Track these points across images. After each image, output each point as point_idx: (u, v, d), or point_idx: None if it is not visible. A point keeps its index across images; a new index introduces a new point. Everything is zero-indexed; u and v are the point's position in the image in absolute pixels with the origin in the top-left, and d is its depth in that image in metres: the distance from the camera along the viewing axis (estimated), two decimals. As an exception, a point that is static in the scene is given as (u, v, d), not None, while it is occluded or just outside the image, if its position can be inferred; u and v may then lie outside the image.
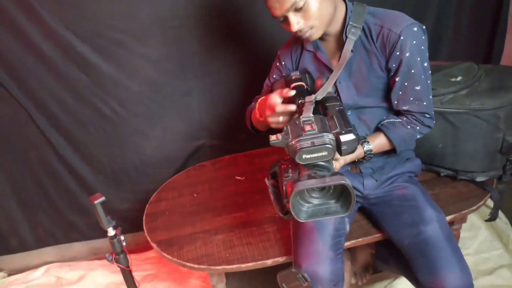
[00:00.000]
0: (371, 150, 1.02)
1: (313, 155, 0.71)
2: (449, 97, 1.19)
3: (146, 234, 1.27)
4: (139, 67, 1.52)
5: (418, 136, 1.07)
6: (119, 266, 1.12)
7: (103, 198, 1.00)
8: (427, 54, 0.98)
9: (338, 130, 0.74)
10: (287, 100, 0.92)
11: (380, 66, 1.00)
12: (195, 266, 1.13)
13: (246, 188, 1.45)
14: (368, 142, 1.02)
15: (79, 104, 1.53)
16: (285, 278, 1.01)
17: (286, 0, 0.89)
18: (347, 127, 0.74)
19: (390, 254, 1.25)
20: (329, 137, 0.72)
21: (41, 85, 1.47)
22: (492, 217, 1.32)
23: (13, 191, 1.66)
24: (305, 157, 0.71)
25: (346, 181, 0.68)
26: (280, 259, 1.13)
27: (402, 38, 0.93)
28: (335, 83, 1.01)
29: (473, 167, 1.24)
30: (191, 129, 1.69)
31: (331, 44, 1.05)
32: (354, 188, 1.12)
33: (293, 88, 0.94)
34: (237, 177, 1.52)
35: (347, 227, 1.11)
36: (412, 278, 1.09)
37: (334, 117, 0.78)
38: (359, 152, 1.02)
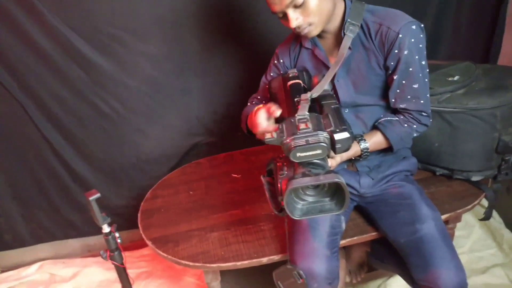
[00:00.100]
0: (367, 148, 1.02)
1: (307, 153, 0.71)
2: (446, 96, 1.19)
3: (141, 231, 1.26)
4: (139, 65, 1.52)
5: (415, 135, 1.07)
6: (113, 263, 1.12)
7: (98, 195, 0.99)
8: (425, 52, 0.98)
9: (332, 128, 0.74)
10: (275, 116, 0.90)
11: (378, 64, 1.00)
12: (191, 263, 1.12)
13: (242, 185, 1.45)
14: (364, 140, 1.03)
15: (77, 101, 1.53)
16: (281, 276, 1.01)
17: None
18: (342, 125, 0.74)
19: (385, 252, 1.25)
20: (323, 135, 0.73)
21: (40, 83, 1.47)
22: (486, 216, 1.32)
23: (9, 187, 1.66)
24: (299, 155, 0.71)
25: (340, 179, 0.68)
26: (276, 257, 1.13)
27: (400, 36, 0.93)
28: (332, 81, 1.00)
29: (469, 167, 1.24)
30: (188, 126, 1.69)
31: (329, 42, 1.04)
32: (351, 186, 1.12)
33: (290, 86, 0.93)
34: (233, 175, 1.51)
35: (343, 225, 1.11)
36: (407, 276, 1.09)
37: (329, 115, 0.78)
38: (356, 150, 1.02)
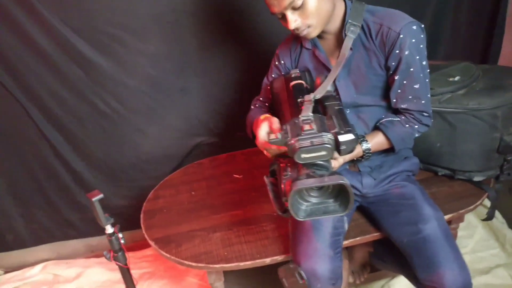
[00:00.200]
0: (369, 149, 1.02)
1: (312, 155, 0.71)
2: (447, 96, 1.20)
3: (143, 231, 1.27)
4: (138, 64, 1.52)
5: (416, 135, 1.07)
6: (117, 264, 1.12)
7: (101, 196, 0.99)
8: (426, 52, 0.99)
9: (337, 130, 0.74)
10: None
11: (379, 64, 1.00)
12: (193, 264, 1.13)
13: (244, 186, 1.45)
14: (366, 141, 1.03)
15: (77, 100, 1.53)
16: (285, 273, 1.02)
17: None
18: (346, 127, 0.74)
19: (388, 253, 1.26)
20: (328, 136, 0.72)
21: (39, 82, 1.47)
22: (489, 217, 1.32)
23: (9, 187, 1.66)
24: (304, 157, 0.71)
25: (345, 180, 0.68)
26: (279, 258, 1.13)
27: (401, 36, 0.93)
28: (334, 82, 1.01)
29: (471, 167, 1.24)
30: (189, 126, 1.69)
31: (330, 42, 1.05)
32: (353, 186, 1.13)
33: (292, 87, 0.93)
34: (235, 175, 1.52)
35: (346, 226, 1.12)
36: (410, 276, 1.09)
37: (333, 116, 0.78)
38: (358, 151, 1.02)
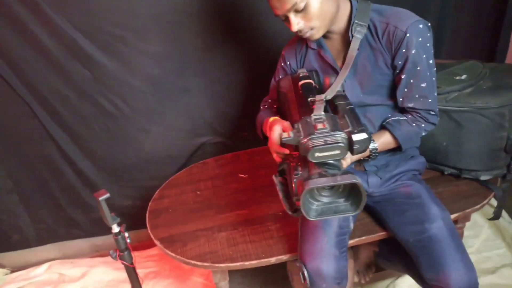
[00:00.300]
0: (376, 149, 1.02)
1: (326, 154, 0.70)
2: (453, 95, 1.19)
3: (149, 231, 1.27)
4: (143, 65, 1.52)
5: (423, 134, 1.07)
6: (123, 263, 1.12)
7: (108, 195, 1.00)
8: (432, 51, 0.98)
9: (350, 129, 0.73)
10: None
11: (385, 64, 1.00)
12: (199, 263, 1.13)
13: (249, 185, 1.45)
14: (373, 140, 1.02)
15: (82, 100, 1.53)
16: (293, 268, 1.02)
17: (287, 1, 0.89)
18: (359, 126, 0.74)
19: (393, 252, 1.25)
20: (341, 135, 0.72)
21: (44, 81, 1.47)
22: (496, 216, 1.32)
23: (15, 187, 1.67)
24: (318, 155, 0.71)
25: (358, 180, 0.68)
26: (284, 257, 1.13)
27: (408, 35, 0.93)
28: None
29: (477, 166, 1.24)
30: (193, 126, 1.69)
31: (336, 42, 1.04)
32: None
33: (301, 86, 0.93)
34: (240, 175, 1.52)
35: (351, 225, 1.11)
36: (416, 276, 1.09)
37: (346, 115, 0.78)
38: None
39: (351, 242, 1.12)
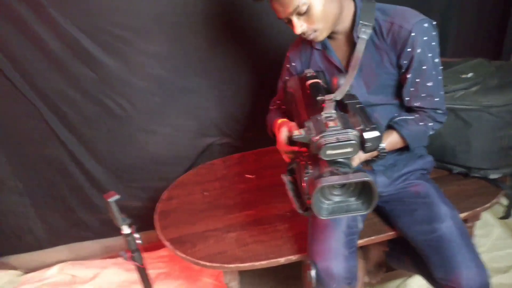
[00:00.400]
0: (384, 149, 1.01)
1: (338, 151, 0.70)
2: (460, 93, 1.18)
3: (158, 232, 1.28)
4: (147, 65, 1.53)
5: (431, 132, 1.06)
6: (134, 264, 1.14)
7: (117, 196, 1.01)
8: (438, 50, 0.98)
9: (362, 127, 0.73)
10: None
11: (390, 63, 1.00)
12: (208, 264, 1.14)
13: (256, 185, 1.46)
14: None
15: (89, 102, 1.55)
16: (305, 266, 1.02)
17: (289, 4, 0.89)
18: (371, 124, 0.74)
19: (403, 252, 1.24)
20: (353, 133, 0.72)
21: (50, 84, 1.49)
22: (506, 215, 1.30)
23: (27, 190, 1.69)
24: (329, 153, 0.70)
25: (369, 178, 0.67)
26: (293, 257, 1.13)
27: (413, 34, 0.93)
28: None
29: (486, 164, 1.23)
30: (201, 127, 1.70)
31: (340, 42, 1.04)
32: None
33: (310, 85, 0.94)
34: (247, 175, 1.52)
35: (360, 225, 1.11)
36: (427, 275, 1.08)
37: (356, 114, 0.78)
38: None
39: (361, 242, 1.12)
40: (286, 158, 0.94)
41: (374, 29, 0.98)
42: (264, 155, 1.64)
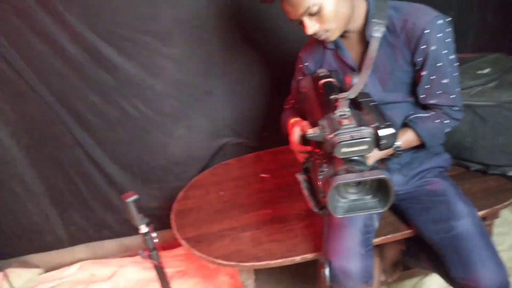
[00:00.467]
0: (399, 147, 1.00)
1: (353, 149, 0.70)
2: (477, 89, 1.16)
3: (175, 231, 1.30)
4: (163, 67, 1.55)
5: (447, 130, 1.05)
6: (152, 262, 1.16)
7: (135, 196, 1.03)
8: (454, 46, 0.96)
9: (376, 124, 0.73)
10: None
11: (405, 61, 0.99)
12: (225, 262, 1.15)
13: (272, 185, 1.46)
14: None
15: (106, 105, 1.58)
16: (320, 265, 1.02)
17: (300, 5, 0.89)
18: (386, 121, 0.73)
19: (420, 250, 1.23)
20: (368, 130, 0.71)
21: (70, 88, 1.52)
22: (526, 212, 1.28)
23: (48, 191, 1.73)
24: (344, 151, 0.70)
25: (385, 175, 0.67)
26: (309, 256, 1.13)
27: (427, 31, 0.92)
28: None
29: (504, 161, 1.21)
30: (215, 127, 1.71)
31: (353, 41, 1.04)
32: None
33: (323, 84, 0.94)
34: (262, 175, 1.53)
35: (376, 224, 1.11)
36: (444, 274, 1.07)
37: (371, 111, 0.77)
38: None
39: (377, 240, 1.12)
40: (299, 157, 0.94)
41: (387, 27, 0.97)
42: (280, 154, 1.64)
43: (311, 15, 0.91)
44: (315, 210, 0.83)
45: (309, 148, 0.88)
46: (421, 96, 1.02)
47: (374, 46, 0.96)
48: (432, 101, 1.01)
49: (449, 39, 0.94)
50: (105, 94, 1.56)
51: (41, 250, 1.87)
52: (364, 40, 1.00)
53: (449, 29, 0.94)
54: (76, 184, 1.73)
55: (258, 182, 1.49)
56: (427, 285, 1.44)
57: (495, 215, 1.24)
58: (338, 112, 0.77)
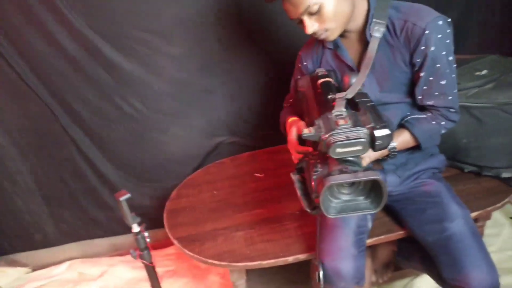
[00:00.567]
0: (395, 148, 1.00)
1: (347, 149, 0.70)
2: (474, 91, 1.17)
3: (167, 230, 1.28)
4: (161, 66, 1.53)
5: (443, 131, 1.05)
6: (143, 262, 1.14)
7: (128, 195, 1.02)
8: (453, 48, 0.96)
9: (372, 125, 0.72)
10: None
11: (404, 61, 0.98)
12: (216, 262, 1.14)
13: (266, 184, 1.45)
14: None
15: (101, 102, 1.56)
16: (313, 267, 1.02)
17: (300, 4, 0.89)
18: (382, 122, 0.73)
19: (413, 251, 1.24)
20: (363, 131, 0.71)
21: (66, 85, 1.50)
22: (518, 214, 1.29)
23: (38, 188, 1.71)
24: (339, 151, 0.70)
25: (379, 176, 0.67)
26: (302, 256, 1.13)
27: (427, 32, 0.91)
28: None
29: (498, 163, 1.21)
30: (210, 126, 1.70)
31: (353, 41, 1.03)
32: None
33: (321, 84, 0.93)
34: (256, 174, 1.52)
35: (369, 224, 1.11)
36: (435, 275, 1.07)
37: (367, 112, 0.77)
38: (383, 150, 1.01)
39: (370, 241, 1.11)
40: (294, 159, 0.93)
41: (387, 27, 0.97)
42: (275, 154, 1.64)
43: (311, 14, 0.90)
44: (308, 210, 0.83)
45: (305, 148, 0.88)
46: (418, 97, 1.01)
47: (373, 46, 0.96)
48: (429, 102, 1.01)
49: (448, 40, 0.94)
50: (101, 92, 1.54)
51: (30, 248, 1.84)
52: (364, 40, 1.00)
53: (449, 30, 0.94)
54: (68, 181, 1.70)
55: (253, 182, 1.48)
56: (418, 286, 1.45)
57: (487, 217, 1.25)
58: (334, 112, 0.77)
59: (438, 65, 0.95)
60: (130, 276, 1.71)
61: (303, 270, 1.45)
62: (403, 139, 1.02)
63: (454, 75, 0.98)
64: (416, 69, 0.98)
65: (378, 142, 0.71)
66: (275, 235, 1.20)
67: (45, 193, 1.72)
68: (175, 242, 1.24)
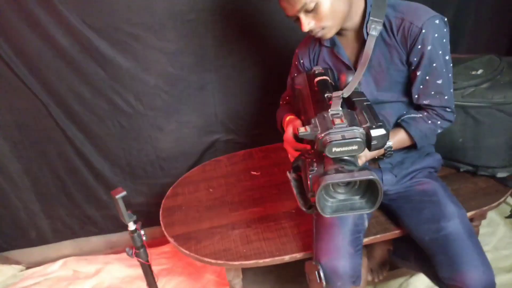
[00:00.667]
0: (391, 147, 1.01)
1: (343, 149, 0.70)
2: (470, 90, 1.17)
3: (163, 228, 1.28)
4: (156, 61, 1.52)
5: (439, 131, 1.05)
6: (139, 261, 1.13)
7: (124, 193, 1.01)
8: (449, 47, 0.97)
9: (368, 124, 0.72)
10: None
11: (400, 60, 0.99)
12: (213, 261, 1.13)
13: (262, 183, 1.45)
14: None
15: (96, 98, 1.54)
16: (310, 268, 1.01)
17: (296, 1, 0.89)
18: (378, 121, 0.73)
19: (408, 250, 1.24)
20: (359, 131, 0.71)
21: (59, 80, 1.49)
22: (512, 214, 1.30)
23: (33, 185, 1.69)
24: (335, 150, 0.70)
25: (375, 176, 0.67)
26: (298, 255, 1.13)
27: (423, 31, 0.92)
28: None
29: (494, 163, 1.22)
30: (206, 123, 1.69)
31: (349, 39, 1.03)
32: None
33: (317, 82, 0.93)
34: (252, 172, 1.52)
35: (366, 223, 1.11)
36: (431, 274, 1.08)
37: (363, 111, 0.77)
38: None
39: (366, 240, 1.12)
40: (291, 157, 0.93)
41: (384, 25, 0.97)
42: (271, 152, 1.63)
43: (308, 11, 0.90)
44: (303, 209, 0.83)
45: (302, 146, 0.88)
46: (414, 96, 1.02)
47: (370, 44, 0.96)
48: (425, 102, 1.01)
49: (445, 40, 0.94)
50: (95, 87, 1.52)
51: (24, 246, 1.82)
52: (361, 38, 1.00)
53: (446, 29, 0.94)
54: (63, 178, 1.69)
55: (249, 180, 1.48)
56: (413, 285, 1.45)
57: (483, 216, 1.26)
58: (331, 111, 0.77)
59: (434, 65, 0.95)
60: (125, 274, 1.70)
61: (298, 269, 1.45)
62: (399, 138, 1.03)
63: (450, 75, 0.99)
64: (413, 68, 0.98)
65: (374, 142, 0.72)
66: (272, 233, 1.20)
67: (40, 190, 1.70)
68: (171, 240, 1.23)
